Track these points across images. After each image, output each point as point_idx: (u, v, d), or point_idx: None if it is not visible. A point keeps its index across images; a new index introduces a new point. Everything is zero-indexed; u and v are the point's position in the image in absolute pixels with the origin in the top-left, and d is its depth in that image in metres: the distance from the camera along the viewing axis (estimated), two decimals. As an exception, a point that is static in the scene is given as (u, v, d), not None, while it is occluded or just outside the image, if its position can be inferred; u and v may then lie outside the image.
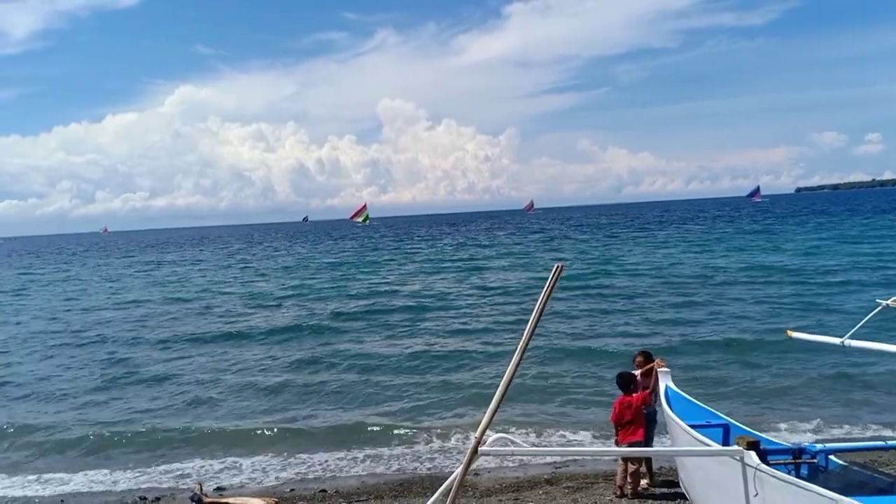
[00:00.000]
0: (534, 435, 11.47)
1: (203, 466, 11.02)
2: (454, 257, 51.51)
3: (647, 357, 8.76)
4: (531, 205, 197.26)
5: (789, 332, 9.16)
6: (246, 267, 52.17)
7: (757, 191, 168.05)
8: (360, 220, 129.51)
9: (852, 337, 7.86)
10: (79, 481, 10.72)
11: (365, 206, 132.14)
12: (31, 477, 10.96)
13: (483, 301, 27.41)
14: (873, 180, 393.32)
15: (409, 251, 62.42)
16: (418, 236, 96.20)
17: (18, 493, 10.42)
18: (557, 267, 4.26)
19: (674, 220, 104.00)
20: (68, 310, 31.26)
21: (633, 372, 8.67)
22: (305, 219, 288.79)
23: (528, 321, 4.19)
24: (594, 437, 11.33)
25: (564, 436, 11.50)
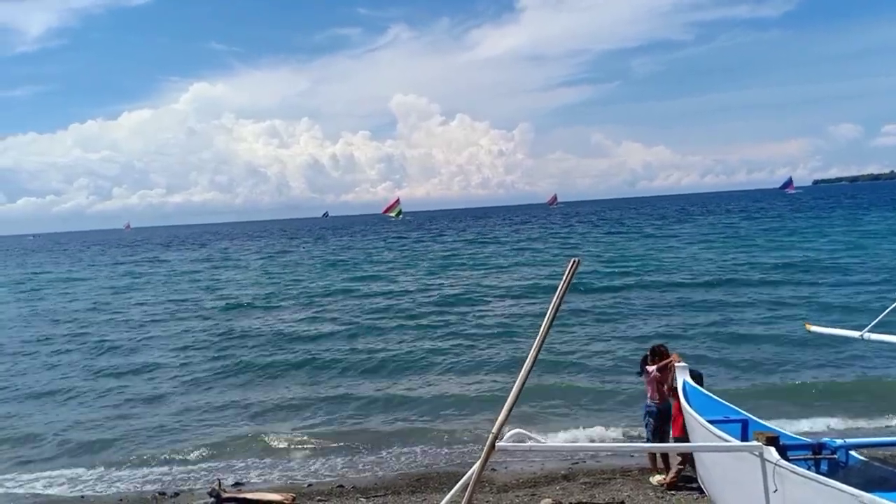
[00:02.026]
0: (551, 431, 11.46)
1: (221, 462, 11.12)
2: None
3: (665, 351, 8.73)
4: (554, 198, 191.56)
5: (808, 326, 9.08)
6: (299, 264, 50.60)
7: (790, 182, 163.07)
8: (393, 214, 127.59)
9: (871, 330, 7.79)
10: (98, 478, 10.86)
11: (398, 200, 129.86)
12: (52, 473, 11.11)
13: (510, 299, 27.03)
14: (891, 172, 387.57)
15: (451, 246, 61.31)
16: (457, 230, 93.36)
17: (39, 489, 10.58)
18: (574, 262, 4.25)
19: (716, 212, 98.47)
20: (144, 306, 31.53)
21: (648, 367, 8.64)
22: (325, 214, 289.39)
23: (544, 317, 4.20)
24: (612, 432, 11.31)
25: (582, 431, 11.48)
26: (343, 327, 22.09)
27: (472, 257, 46.86)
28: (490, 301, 26.34)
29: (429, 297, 28.29)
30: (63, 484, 10.66)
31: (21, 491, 10.47)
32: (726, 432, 6.27)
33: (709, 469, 7.09)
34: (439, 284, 32.30)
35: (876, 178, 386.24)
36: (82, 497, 10.14)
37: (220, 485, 9.30)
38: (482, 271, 37.23)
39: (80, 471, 11.11)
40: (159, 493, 9.86)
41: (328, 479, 10.09)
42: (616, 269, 33.06)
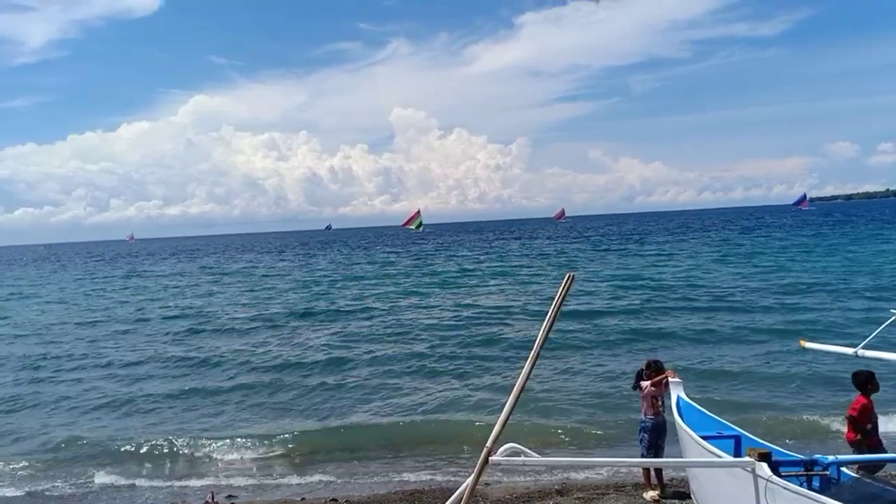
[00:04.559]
0: (545, 444, 11.45)
1: (215, 475, 11.07)
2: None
3: (660, 367, 8.75)
4: (562, 213, 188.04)
5: (803, 342, 9.15)
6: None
7: (804, 198, 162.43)
8: (413, 226, 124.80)
9: (865, 347, 7.85)
10: (89, 488, 10.81)
11: (419, 212, 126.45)
12: (44, 483, 11.06)
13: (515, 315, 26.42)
14: (887, 190, 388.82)
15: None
16: (472, 246, 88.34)
17: (31, 498, 10.52)
18: (569, 277, 4.29)
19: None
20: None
21: (643, 382, 8.66)
22: (328, 227, 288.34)
23: (539, 330, 4.23)
24: (606, 447, 11.30)
25: (576, 446, 11.48)
26: (339, 342, 22.05)
27: (483, 273, 46.05)
28: (494, 317, 26.06)
29: (433, 314, 28.06)
30: (53, 499, 10.60)
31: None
32: (719, 448, 6.28)
33: (702, 484, 7.09)
34: (443, 303, 31.84)
35: (871, 196, 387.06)
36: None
37: (213, 497, 9.28)
38: (483, 289, 37.24)
39: (71, 484, 11.06)
40: (152, 506, 9.83)
41: (321, 493, 10.03)
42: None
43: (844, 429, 11.17)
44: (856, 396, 7.77)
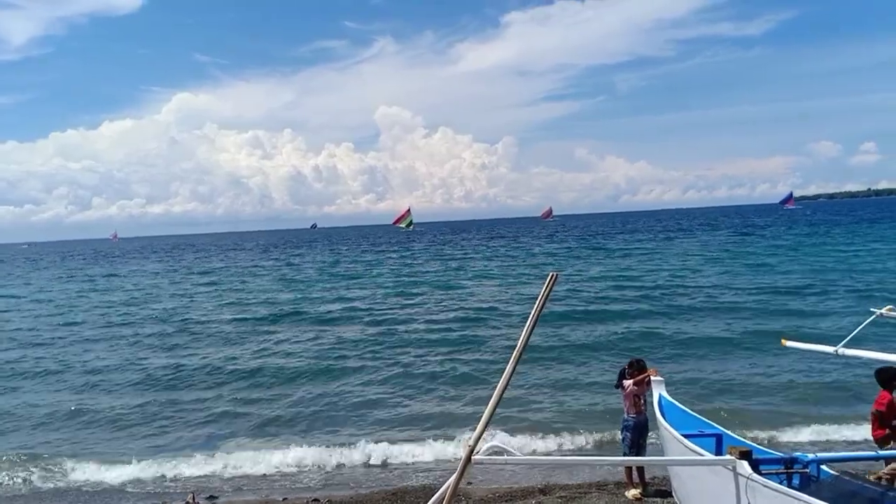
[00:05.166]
0: (528, 443, 11.46)
1: (195, 475, 10.97)
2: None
3: (642, 366, 8.79)
4: (549, 211, 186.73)
5: (784, 341, 9.23)
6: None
7: (790, 197, 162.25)
8: (402, 225, 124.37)
9: (846, 345, 7.94)
10: (69, 488, 10.70)
11: (409, 210, 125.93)
12: (29, 484, 10.94)
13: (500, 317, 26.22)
14: (869, 190, 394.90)
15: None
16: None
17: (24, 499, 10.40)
18: (552, 276, 4.28)
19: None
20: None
21: (625, 382, 8.69)
22: (314, 226, 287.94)
23: (523, 330, 4.22)
24: (589, 446, 11.34)
25: (558, 445, 11.50)
26: (324, 345, 21.91)
27: (470, 273, 45.90)
28: (480, 319, 25.82)
29: (419, 315, 27.89)
30: (34, 497, 10.48)
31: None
32: (700, 446, 6.32)
33: (684, 482, 7.13)
34: (429, 303, 31.55)
35: (853, 195, 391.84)
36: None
37: (193, 498, 9.21)
38: (470, 289, 37.19)
39: (54, 485, 10.93)
40: (131, 507, 9.73)
41: (303, 494, 9.98)
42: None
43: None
44: (879, 392, 7.79)
